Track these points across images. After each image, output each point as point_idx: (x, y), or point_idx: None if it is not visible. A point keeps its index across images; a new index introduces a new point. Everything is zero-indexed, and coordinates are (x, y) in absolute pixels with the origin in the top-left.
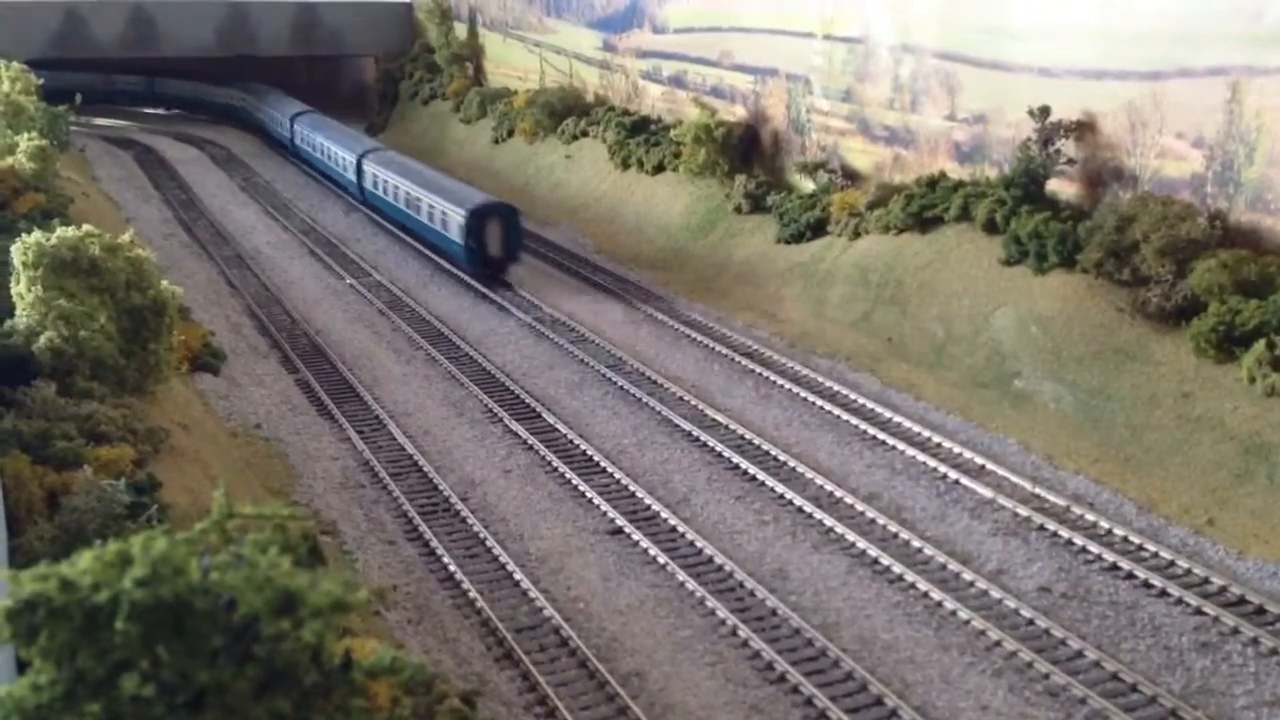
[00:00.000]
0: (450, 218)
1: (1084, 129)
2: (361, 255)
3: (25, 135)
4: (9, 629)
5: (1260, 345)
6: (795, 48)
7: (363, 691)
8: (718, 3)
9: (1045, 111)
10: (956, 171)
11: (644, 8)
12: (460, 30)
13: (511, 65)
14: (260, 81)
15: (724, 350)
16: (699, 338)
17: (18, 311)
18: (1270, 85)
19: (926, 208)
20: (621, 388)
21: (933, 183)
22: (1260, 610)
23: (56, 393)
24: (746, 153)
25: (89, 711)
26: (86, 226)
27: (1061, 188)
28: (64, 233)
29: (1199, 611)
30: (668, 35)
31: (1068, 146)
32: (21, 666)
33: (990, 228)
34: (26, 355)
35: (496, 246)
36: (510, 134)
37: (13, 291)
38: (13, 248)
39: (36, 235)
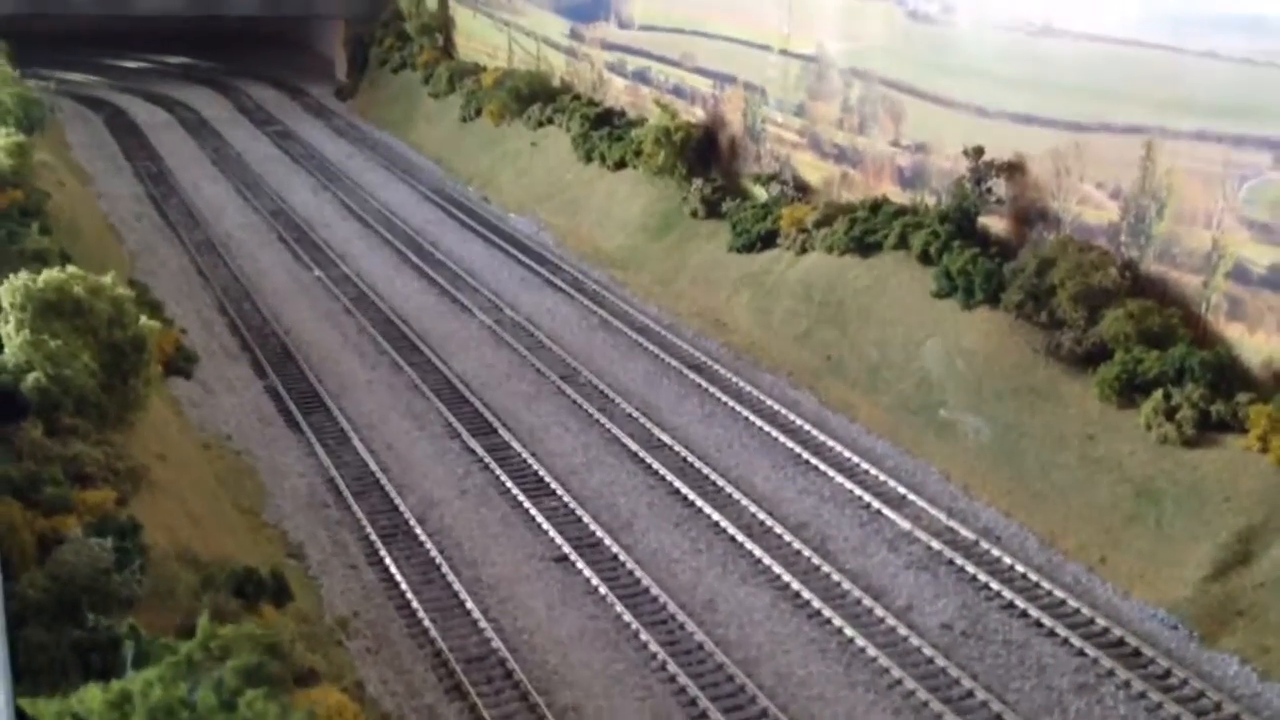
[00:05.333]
0: None
1: (1014, 169)
2: (328, 241)
3: (3, 130)
4: None
5: (1158, 395)
6: (754, 58)
7: None
8: (683, 4)
9: (979, 151)
10: (899, 196)
11: (610, 0)
12: (431, 1)
13: (481, 40)
14: (228, 45)
15: (674, 362)
16: (651, 348)
17: (6, 351)
18: (1180, 147)
19: (868, 233)
20: (574, 401)
21: (875, 207)
22: (1136, 653)
23: (43, 432)
24: (705, 155)
25: None
26: (71, 269)
27: (992, 223)
28: (49, 275)
29: (1081, 653)
30: (632, 30)
31: (999, 186)
32: None
33: (925, 259)
34: (14, 392)
35: None
36: (478, 113)
37: (1, 331)
38: (1, 289)
39: (24, 277)
